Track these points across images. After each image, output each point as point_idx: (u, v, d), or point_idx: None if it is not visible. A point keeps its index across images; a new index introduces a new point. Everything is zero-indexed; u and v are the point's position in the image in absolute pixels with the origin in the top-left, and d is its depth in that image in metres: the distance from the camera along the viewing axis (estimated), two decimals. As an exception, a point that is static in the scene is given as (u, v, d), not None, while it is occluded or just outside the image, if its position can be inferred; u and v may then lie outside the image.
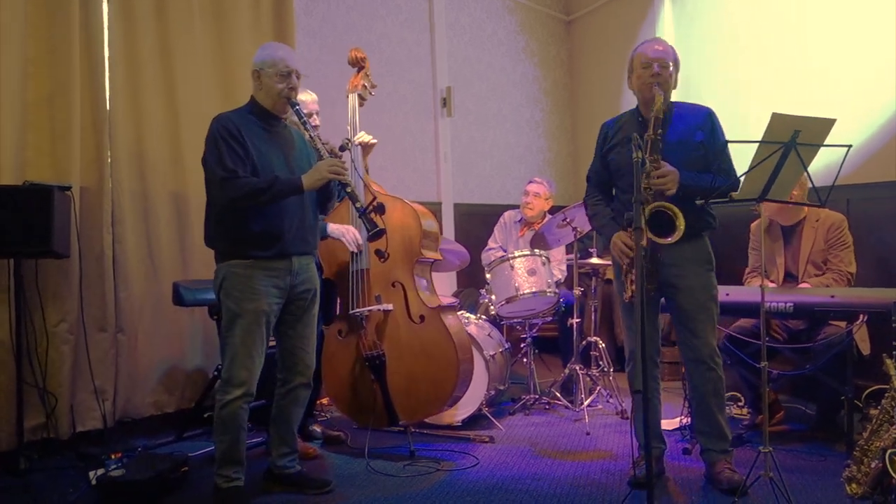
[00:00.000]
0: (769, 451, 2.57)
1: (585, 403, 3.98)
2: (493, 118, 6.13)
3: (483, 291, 4.44)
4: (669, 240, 2.52)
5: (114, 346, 3.66)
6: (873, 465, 2.37)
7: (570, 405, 4.08)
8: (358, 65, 3.53)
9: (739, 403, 3.87)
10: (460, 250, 4.19)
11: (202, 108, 3.93)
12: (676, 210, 2.52)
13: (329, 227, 3.34)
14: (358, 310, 3.32)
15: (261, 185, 2.60)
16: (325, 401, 4.09)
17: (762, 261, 2.79)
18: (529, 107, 6.41)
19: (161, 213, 3.87)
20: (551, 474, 3.06)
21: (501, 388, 4.07)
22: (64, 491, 2.94)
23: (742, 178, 2.62)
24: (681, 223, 2.51)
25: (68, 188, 3.35)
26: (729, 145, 2.75)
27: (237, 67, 4.10)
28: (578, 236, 4.18)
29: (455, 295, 5.27)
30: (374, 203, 2.92)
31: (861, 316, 3.05)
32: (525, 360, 4.32)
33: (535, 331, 4.34)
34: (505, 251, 4.69)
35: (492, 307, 4.21)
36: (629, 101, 2.99)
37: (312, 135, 2.80)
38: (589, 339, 4.34)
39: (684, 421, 3.45)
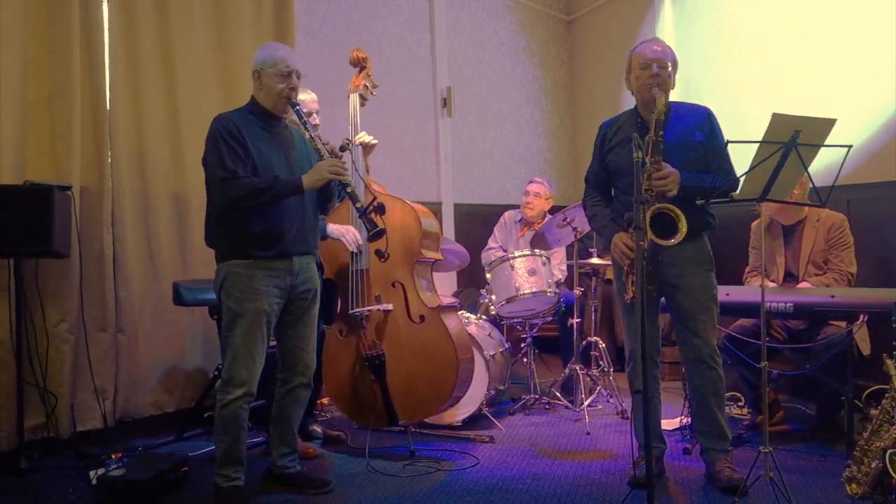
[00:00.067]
0: (769, 451, 2.57)
1: (586, 403, 3.98)
2: (494, 118, 6.13)
3: (483, 291, 4.44)
4: (672, 241, 2.52)
5: (114, 346, 3.66)
6: (873, 466, 2.37)
7: (570, 405, 4.08)
8: (359, 65, 3.53)
9: (739, 403, 3.87)
10: (460, 250, 4.19)
11: (202, 107, 3.93)
12: (679, 212, 2.52)
13: (329, 228, 3.34)
14: (358, 310, 3.32)
15: (261, 186, 2.61)
16: (325, 400, 4.09)
17: (762, 260, 2.79)
18: (530, 107, 6.41)
19: (161, 212, 3.87)
20: (551, 474, 3.06)
21: (501, 387, 4.07)
22: (64, 490, 2.94)
23: (742, 178, 2.63)
24: (683, 225, 2.51)
25: (68, 188, 3.35)
26: (729, 145, 2.75)
27: (238, 67, 4.10)
28: (579, 236, 4.18)
29: (455, 295, 5.27)
30: (375, 203, 2.92)
31: (861, 316, 3.05)
32: (525, 360, 4.32)
33: (535, 331, 4.34)
34: (505, 251, 4.69)
35: (492, 307, 4.21)
36: (629, 101, 2.98)
37: (313, 135, 2.80)
38: (589, 339, 4.34)
39: (684, 421, 3.45)
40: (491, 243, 4.94)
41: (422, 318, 3.32)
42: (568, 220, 4.08)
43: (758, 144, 2.53)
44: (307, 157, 2.88)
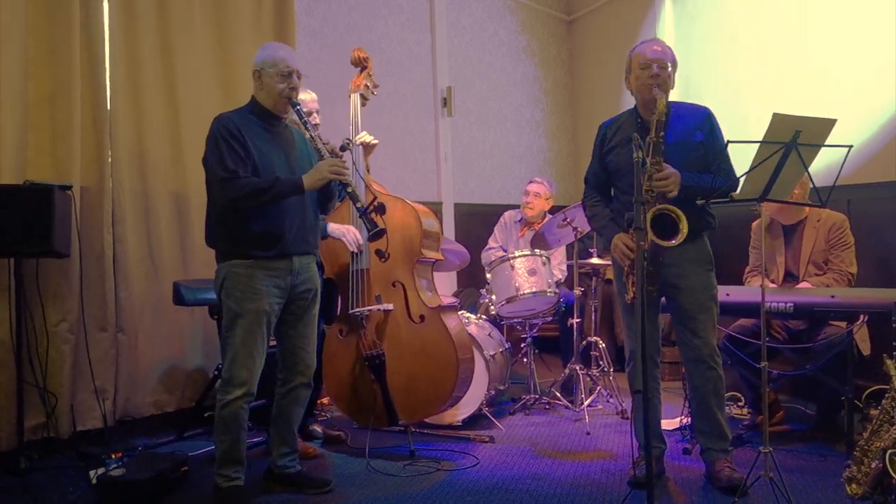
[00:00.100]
0: (769, 452, 2.57)
1: (586, 403, 3.98)
2: (494, 118, 6.13)
3: (483, 291, 4.44)
4: (673, 242, 2.52)
5: (114, 346, 3.66)
6: (873, 466, 2.37)
7: (570, 405, 4.08)
8: (361, 65, 3.53)
9: (740, 403, 3.87)
10: (460, 250, 4.19)
11: (203, 107, 3.94)
12: (680, 213, 2.52)
13: (329, 227, 3.34)
14: (358, 309, 3.32)
15: (262, 186, 2.61)
16: (325, 400, 4.09)
17: (762, 260, 2.79)
18: (530, 107, 6.41)
19: (162, 212, 3.87)
20: (551, 474, 3.06)
21: (502, 387, 4.07)
22: (64, 490, 2.94)
23: (743, 178, 2.63)
24: (684, 226, 2.51)
25: (69, 188, 3.35)
26: (729, 145, 2.75)
27: (238, 67, 4.10)
28: (579, 236, 4.18)
29: (455, 295, 5.28)
30: (375, 203, 2.92)
31: (861, 316, 3.05)
32: (525, 359, 4.32)
33: (535, 331, 4.34)
34: (505, 251, 4.69)
35: (492, 307, 4.21)
36: (629, 101, 2.98)
37: (313, 134, 2.80)
38: (589, 339, 4.34)
39: (684, 421, 3.45)
40: (491, 243, 4.94)
41: (422, 317, 3.32)
42: (568, 220, 4.08)
43: (758, 144, 2.53)
44: (308, 157, 2.88)
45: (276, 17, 4.40)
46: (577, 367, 4.11)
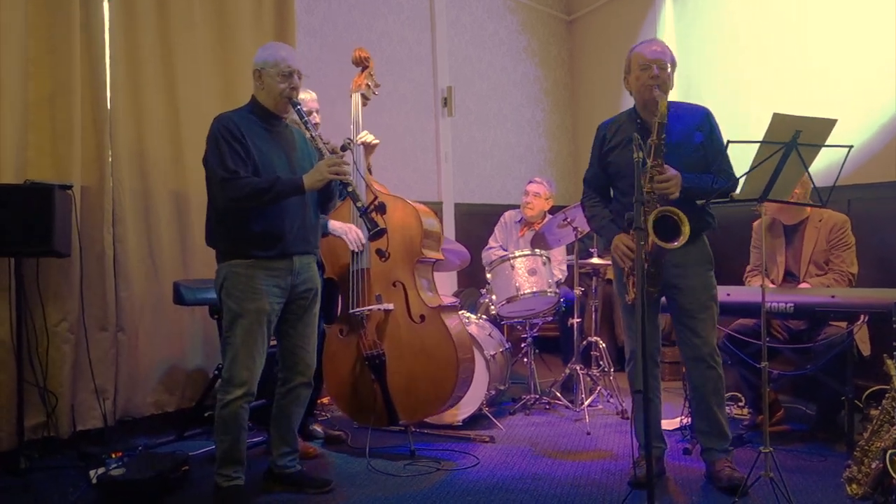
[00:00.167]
0: (770, 452, 2.57)
1: (586, 403, 3.98)
2: (494, 118, 6.13)
3: (483, 291, 4.44)
4: (675, 244, 2.52)
5: (114, 346, 3.66)
6: (874, 466, 2.37)
7: (570, 405, 4.08)
8: (362, 64, 3.53)
9: (740, 403, 3.87)
10: (461, 250, 4.19)
11: (203, 106, 3.93)
12: (682, 215, 2.52)
13: (330, 225, 3.33)
14: (358, 309, 3.32)
15: (262, 186, 2.60)
16: (325, 400, 4.09)
17: (762, 259, 2.79)
18: (530, 106, 6.41)
19: (162, 212, 3.87)
20: (552, 474, 3.06)
21: (502, 387, 4.07)
22: (64, 490, 2.94)
23: (743, 178, 2.63)
24: (686, 228, 2.51)
25: (69, 187, 3.35)
26: (730, 145, 2.75)
27: (238, 66, 4.10)
28: (579, 236, 4.18)
29: (455, 295, 5.28)
30: (375, 202, 2.91)
31: (862, 316, 3.05)
32: (525, 359, 4.32)
33: (535, 331, 4.34)
34: (505, 250, 4.69)
35: (492, 307, 4.21)
36: (630, 101, 2.98)
37: (314, 134, 2.80)
38: (589, 338, 4.33)
39: (685, 421, 3.45)
40: (491, 243, 4.94)
41: (422, 317, 3.32)
42: (568, 219, 4.08)
43: (758, 144, 2.53)
44: (308, 157, 2.88)
45: (277, 16, 4.40)
46: (578, 367, 4.11)
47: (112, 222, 3.64)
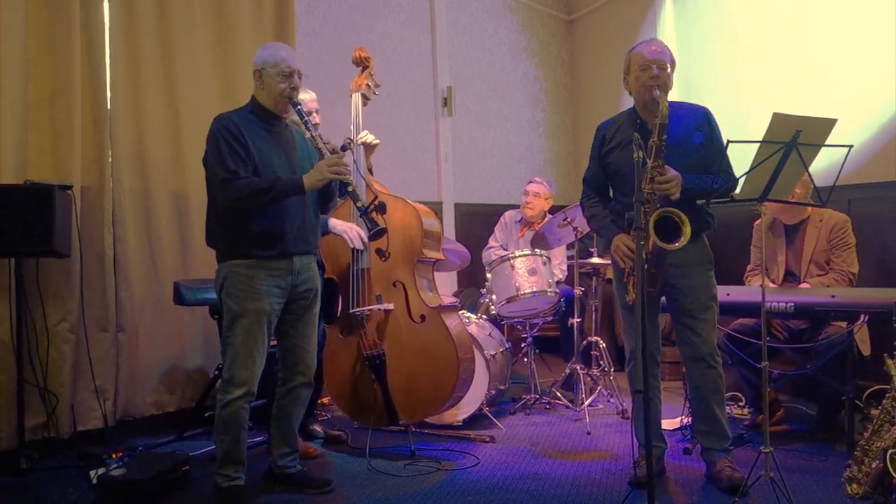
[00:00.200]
0: (770, 451, 2.57)
1: (586, 403, 3.98)
2: (494, 118, 6.13)
3: (484, 291, 4.44)
4: (676, 245, 2.52)
5: (115, 346, 3.66)
6: (874, 466, 2.37)
7: (570, 405, 4.08)
8: (362, 64, 3.52)
9: (740, 403, 3.87)
10: (461, 250, 4.19)
11: (203, 107, 3.94)
12: (683, 216, 2.53)
13: (331, 223, 3.33)
14: (359, 309, 3.32)
15: (262, 186, 2.60)
16: (326, 400, 4.09)
17: (763, 259, 2.79)
18: (530, 106, 6.41)
19: (162, 212, 3.87)
20: (552, 474, 3.06)
21: (502, 387, 4.07)
22: (65, 490, 2.94)
23: (743, 178, 2.63)
24: (687, 229, 2.51)
25: (69, 187, 3.35)
26: (730, 145, 2.75)
27: (238, 67, 4.10)
28: (579, 236, 4.18)
29: (456, 294, 5.28)
30: (376, 202, 2.92)
31: (862, 316, 3.05)
32: (526, 359, 4.31)
33: (535, 330, 4.34)
34: (506, 250, 4.70)
35: (492, 307, 4.21)
36: (630, 101, 2.98)
37: (314, 134, 2.80)
38: (590, 338, 4.33)
39: (685, 421, 3.45)
40: (492, 242, 4.94)
41: (422, 317, 3.32)
42: (568, 219, 4.08)
43: (758, 144, 2.53)
44: (308, 157, 2.88)
45: (277, 16, 4.40)
46: (578, 367, 4.11)
47: (112, 222, 3.64)
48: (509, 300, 4.02)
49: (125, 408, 3.72)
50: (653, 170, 2.57)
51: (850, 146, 2.49)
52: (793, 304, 3.14)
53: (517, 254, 4.10)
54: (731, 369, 3.43)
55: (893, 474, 2.26)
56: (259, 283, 2.66)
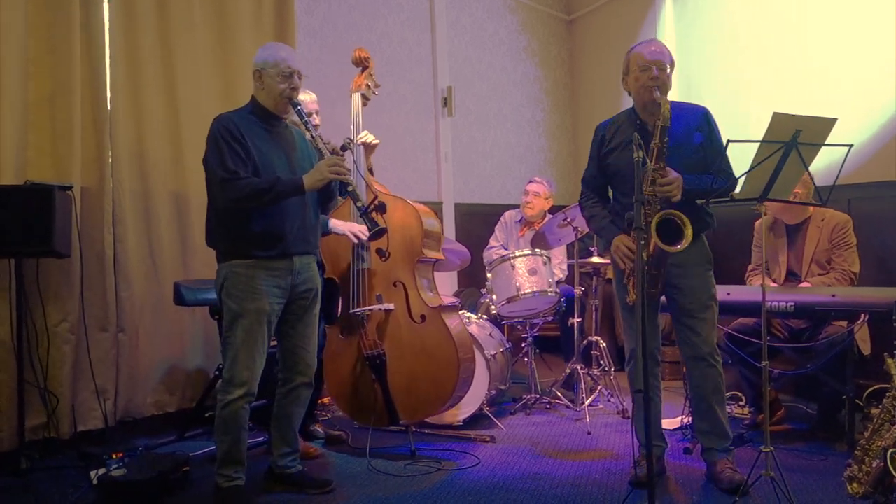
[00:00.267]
0: (770, 451, 2.57)
1: (586, 403, 3.98)
2: (494, 118, 6.13)
3: (484, 291, 4.44)
4: (678, 247, 2.52)
5: (115, 346, 3.66)
6: (874, 465, 2.37)
7: (571, 405, 4.08)
8: (362, 64, 3.53)
9: (741, 403, 3.87)
10: (461, 250, 4.19)
11: (203, 107, 3.94)
12: (685, 218, 2.53)
13: (331, 223, 3.33)
14: (359, 309, 3.32)
15: (262, 186, 2.60)
16: (326, 400, 4.09)
17: (763, 258, 2.79)
18: (530, 106, 6.41)
19: (162, 212, 3.87)
20: (552, 474, 3.06)
21: (503, 387, 4.07)
22: (65, 491, 2.94)
23: (743, 178, 2.63)
24: (689, 231, 2.51)
25: (69, 188, 3.35)
26: (730, 145, 2.75)
27: (238, 67, 4.10)
28: (579, 236, 4.18)
29: (456, 294, 5.28)
30: (376, 202, 2.92)
31: (862, 315, 3.05)
32: (526, 359, 4.32)
33: (536, 330, 4.34)
34: (506, 250, 4.70)
35: (493, 307, 4.20)
36: (630, 101, 2.98)
37: (314, 134, 2.80)
38: (590, 338, 4.34)
39: (685, 420, 3.45)
40: (492, 242, 4.94)
41: (423, 317, 3.32)
42: (568, 219, 4.09)
43: (758, 144, 2.53)
44: (308, 157, 2.88)
45: (277, 16, 4.40)
46: (578, 367, 4.11)
47: (112, 223, 3.64)
48: (510, 300, 4.02)
49: (125, 408, 3.72)
50: (654, 172, 2.56)
51: (850, 146, 2.50)
52: (793, 304, 3.15)
53: (517, 254, 4.10)
54: (732, 369, 3.44)
55: (894, 473, 2.26)
56: (259, 284, 2.66)
